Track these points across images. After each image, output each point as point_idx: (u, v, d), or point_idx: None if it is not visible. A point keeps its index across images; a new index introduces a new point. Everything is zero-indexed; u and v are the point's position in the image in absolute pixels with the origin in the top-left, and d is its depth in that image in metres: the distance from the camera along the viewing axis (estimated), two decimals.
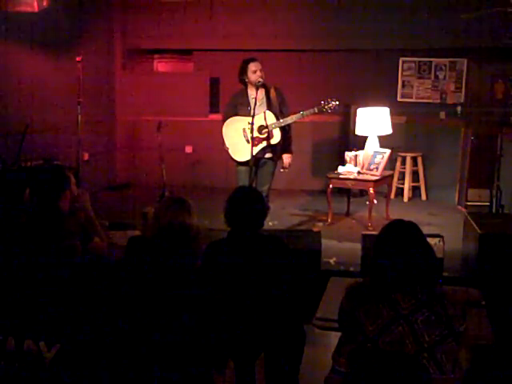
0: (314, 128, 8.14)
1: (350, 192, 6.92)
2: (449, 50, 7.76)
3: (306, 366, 3.08)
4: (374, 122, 6.73)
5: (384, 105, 6.93)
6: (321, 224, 6.38)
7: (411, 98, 8.10)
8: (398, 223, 2.34)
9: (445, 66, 7.96)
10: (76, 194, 3.31)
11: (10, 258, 2.82)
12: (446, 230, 5.27)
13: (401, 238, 2.26)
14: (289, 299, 3.02)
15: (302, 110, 5.25)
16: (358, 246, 4.30)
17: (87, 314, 2.41)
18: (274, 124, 5.22)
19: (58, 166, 5.38)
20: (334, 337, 2.39)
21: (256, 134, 5.16)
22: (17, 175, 5.34)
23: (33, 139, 6.12)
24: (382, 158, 6.32)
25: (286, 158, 5.43)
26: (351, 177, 6.26)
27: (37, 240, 2.91)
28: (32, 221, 3.05)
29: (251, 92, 5.29)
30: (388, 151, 6.36)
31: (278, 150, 5.35)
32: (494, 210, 6.15)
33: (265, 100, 5.30)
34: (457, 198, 7.41)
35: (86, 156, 7.60)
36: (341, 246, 5.55)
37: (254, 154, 5.10)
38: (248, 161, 5.14)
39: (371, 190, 6.09)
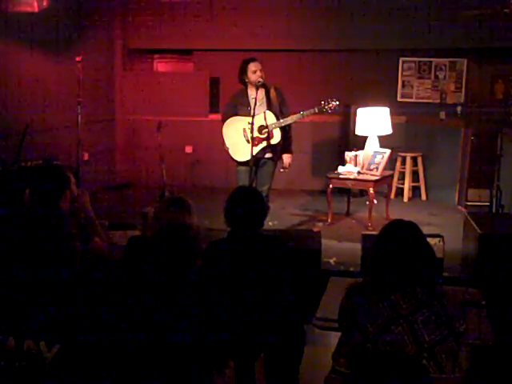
0: (314, 128, 8.14)
1: (350, 192, 6.92)
2: (449, 50, 7.76)
3: (306, 366, 3.08)
4: (374, 121, 6.73)
5: (384, 105, 6.93)
6: (321, 224, 6.38)
7: (411, 98, 8.10)
8: (398, 223, 2.34)
9: (445, 65, 7.96)
10: (76, 194, 3.31)
11: (9, 258, 2.82)
12: (445, 230, 5.26)
13: (401, 238, 2.26)
14: (289, 299, 3.02)
15: (302, 110, 5.25)
16: (358, 246, 4.30)
17: (87, 314, 2.41)
18: (274, 124, 5.22)
19: (57, 165, 5.37)
20: (334, 337, 2.39)
21: (256, 134, 5.16)
22: (17, 175, 5.34)
23: (33, 139, 6.12)
24: (382, 157, 6.32)
25: (286, 158, 5.43)
26: (351, 177, 6.26)
27: (37, 240, 2.90)
28: (32, 221, 3.05)
29: (251, 92, 5.29)
30: (388, 151, 6.36)
31: (278, 150, 5.35)
32: (494, 210, 6.15)
33: (265, 100, 5.30)
34: (457, 198, 7.41)
35: (86, 156, 7.60)
36: (341, 246, 5.54)
37: (254, 153, 5.10)
38: (248, 161, 5.14)
39: (371, 190, 6.09)
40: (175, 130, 8.01)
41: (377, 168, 6.28)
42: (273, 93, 5.30)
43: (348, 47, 7.91)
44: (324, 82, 7.88)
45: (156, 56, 9.04)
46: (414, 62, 8.06)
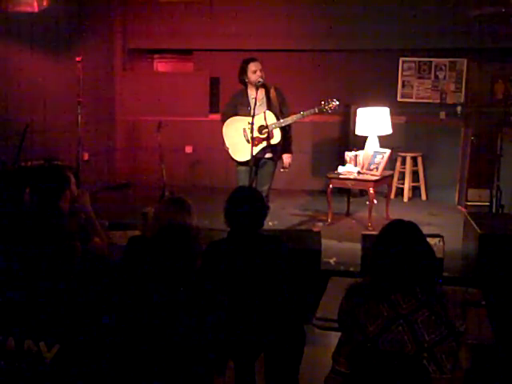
0: (314, 128, 8.15)
1: (350, 192, 6.92)
2: (449, 50, 7.76)
3: (306, 365, 3.08)
4: (374, 121, 6.73)
5: (384, 105, 6.93)
6: (321, 224, 6.38)
7: (411, 97, 8.10)
8: (398, 223, 2.34)
9: (445, 65, 7.96)
10: (76, 194, 3.31)
11: (9, 258, 2.82)
12: (445, 230, 5.27)
13: (401, 238, 2.26)
14: (289, 299, 3.02)
15: (303, 110, 5.24)
16: (358, 246, 4.30)
17: (87, 314, 2.41)
18: (274, 124, 5.22)
19: (57, 165, 5.38)
20: (334, 337, 2.39)
21: (256, 134, 5.16)
22: (17, 175, 5.34)
23: (33, 139, 6.12)
24: (382, 157, 6.32)
25: (286, 158, 5.43)
26: (351, 177, 6.26)
27: (37, 240, 2.90)
28: (32, 221, 3.05)
29: (251, 92, 5.28)
30: (388, 151, 6.36)
31: (278, 150, 5.35)
32: (494, 210, 6.15)
33: (265, 100, 5.30)
34: (457, 198, 7.42)
35: (86, 156, 7.60)
36: (341, 246, 5.55)
37: (254, 154, 5.09)
38: (248, 161, 5.14)
39: (371, 190, 6.09)
40: (175, 130, 8.02)
41: (377, 168, 6.28)
42: (273, 93, 5.30)
43: (348, 47, 7.91)
44: (324, 82, 7.89)
45: (156, 56, 9.05)
46: (414, 62, 8.06)
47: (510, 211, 6.07)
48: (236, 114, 5.35)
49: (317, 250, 4.59)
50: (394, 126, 6.93)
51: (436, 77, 8.00)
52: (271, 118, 5.22)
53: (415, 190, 7.87)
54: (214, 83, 8.45)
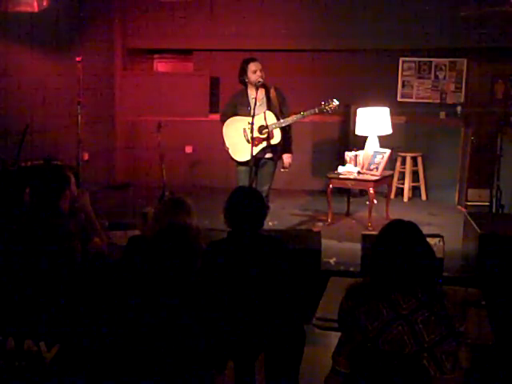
0: (314, 128, 8.14)
1: (350, 192, 6.92)
2: (449, 50, 7.76)
3: (306, 365, 3.08)
4: (374, 121, 6.73)
5: (384, 105, 6.93)
6: (321, 224, 6.38)
7: (411, 97, 8.10)
8: (398, 223, 2.34)
9: (445, 65, 7.96)
10: (76, 194, 3.31)
11: (10, 258, 2.82)
12: (445, 230, 5.27)
13: (401, 238, 2.26)
14: (288, 299, 3.02)
15: (303, 110, 5.24)
16: (358, 246, 4.30)
17: (87, 314, 2.41)
18: (274, 124, 5.22)
19: (57, 165, 5.38)
20: (334, 337, 2.39)
21: (256, 134, 5.16)
22: (17, 175, 5.34)
23: (33, 139, 6.13)
24: (382, 157, 6.32)
25: (287, 158, 5.43)
26: (351, 177, 6.26)
27: (37, 240, 2.91)
28: (32, 221, 3.05)
29: (251, 92, 5.28)
30: (388, 151, 6.36)
31: (278, 150, 5.35)
32: (494, 210, 6.15)
33: (265, 100, 5.30)
34: (457, 198, 7.42)
35: (86, 156, 7.60)
36: (341, 246, 5.54)
37: (254, 154, 5.09)
38: (248, 161, 5.14)
39: (371, 190, 6.09)
40: (175, 130, 8.01)
41: (377, 168, 6.28)
42: (273, 93, 5.29)
43: (348, 47, 7.91)
44: (324, 82, 7.88)
45: (156, 56, 9.05)
46: (414, 62, 8.06)
47: (510, 211, 6.07)
48: (236, 114, 5.34)
49: (317, 249, 4.59)
50: (394, 126, 6.93)
51: (436, 77, 8.00)
52: (271, 118, 5.22)
53: (415, 190, 7.87)
54: (214, 83, 8.45)
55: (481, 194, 6.93)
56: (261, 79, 5.15)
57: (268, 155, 5.33)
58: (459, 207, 7.13)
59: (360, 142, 6.89)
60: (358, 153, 6.44)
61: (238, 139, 5.30)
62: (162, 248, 2.46)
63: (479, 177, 7.02)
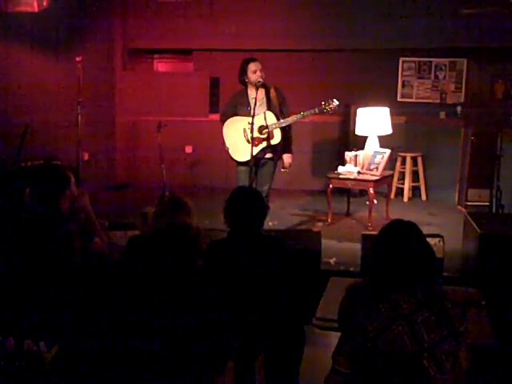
0: (314, 128, 8.14)
1: (350, 192, 6.92)
2: (449, 50, 7.76)
3: (306, 365, 3.08)
4: (374, 121, 6.73)
5: (384, 105, 6.93)
6: (321, 224, 6.38)
7: (411, 98, 8.10)
8: (398, 223, 2.34)
9: (445, 65, 7.96)
10: (76, 194, 3.31)
11: (10, 259, 2.82)
12: (445, 229, 5.27)
13: (401, 238, 2.26)
14: (288, 299, 3.02)
15: (303, 110, 5.24)
16: (358, 246, 4.30)
17: (87, 314, 2.41)
18: (274, 124, 5.22)
19: (57, 165, 5.37)
20: (334, 337, 2.39)
21: (256, 134, 5.15)
22: (17, 175, 5.34)
23: (33, 139, 6.12)
24: (382, 157, 6.32)
25: (287, 158, 5.43)
26: (351, 177, 6.26)
27: (37, 240, 2.91)
28: (32, 221, 3.05)
29: (251, 92, 5.28)
30: (388, 151, 6.36)
31: (278, 150, 5.35)
32: (493, 210, 6.15)
33: (265, 100, 5.30)
34: (457, 198, 7.42)
35: (86, 156, 7.61)
36: (341, 246, 5.55)
37: (254, 154, 5.09)
38: (248, 161, 5.14)
39: (371, 190, 6.10)
40: (175, 130, 8.00)
41: (377, 168, 6.28)
42: (273, 93, 5.29)
43: (348, 47, 7.91)
44: (324, 82, 7.89)
45: (156, 56, 9.05)
46: (414, 62, 8.06)
47: (510, 211, 6.07)
48: (236, 114, 5.34)
49: (317, 249, 4.59)
50: (394, 126, 6.93)
51: (436, 77, 8.00)
52: (271, 118, 5.22)
53: (415, 190, 7.87)
54: (214, 83, 8.45)
55: (481, 194, 6.93)
56: (261, 79, 5.15)
57: (268, 155, 5.33)
58: (459, 207, 7.13)
59: (360, 142, 6.89)
60: (358, 153, 6.44)
61: (238, 139, 5.30)
62: (161, 248, 2.46)
63: (479, 177, 7.01)
